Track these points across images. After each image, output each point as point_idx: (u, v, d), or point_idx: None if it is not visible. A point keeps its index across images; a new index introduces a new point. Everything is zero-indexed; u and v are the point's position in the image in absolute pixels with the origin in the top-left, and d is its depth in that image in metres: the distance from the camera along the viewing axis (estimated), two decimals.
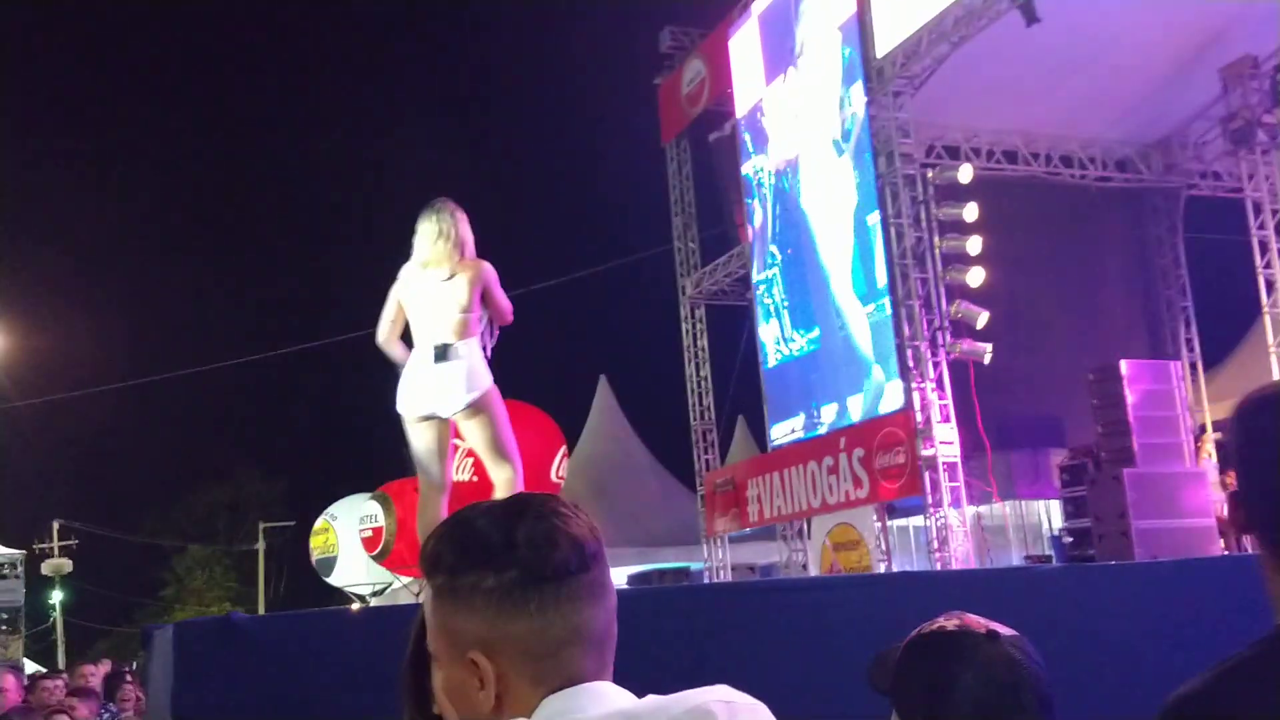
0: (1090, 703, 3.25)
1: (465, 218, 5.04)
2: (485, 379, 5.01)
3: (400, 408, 5.06)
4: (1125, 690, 3.29)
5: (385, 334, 5.09)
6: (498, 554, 1.15)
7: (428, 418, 5.03)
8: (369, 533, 19.53)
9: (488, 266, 5.06)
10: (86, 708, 7.08)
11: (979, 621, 1.61)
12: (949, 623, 1.62)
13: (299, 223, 59.83)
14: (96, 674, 8.15)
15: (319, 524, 21.22)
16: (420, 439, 5.07)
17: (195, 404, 44.24)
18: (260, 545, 34.88)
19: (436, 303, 4.97)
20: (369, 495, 20.06)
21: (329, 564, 20.71)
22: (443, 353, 4.93)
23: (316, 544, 21.15)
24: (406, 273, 5.06)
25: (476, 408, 4.98)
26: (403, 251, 5.12)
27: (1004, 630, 1.61)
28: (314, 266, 55.96)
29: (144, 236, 54.18)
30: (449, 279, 4.96)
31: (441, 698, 1.18)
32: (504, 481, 5.05)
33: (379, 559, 19.04)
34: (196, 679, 2.69)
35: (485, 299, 5.04)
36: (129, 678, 7.90)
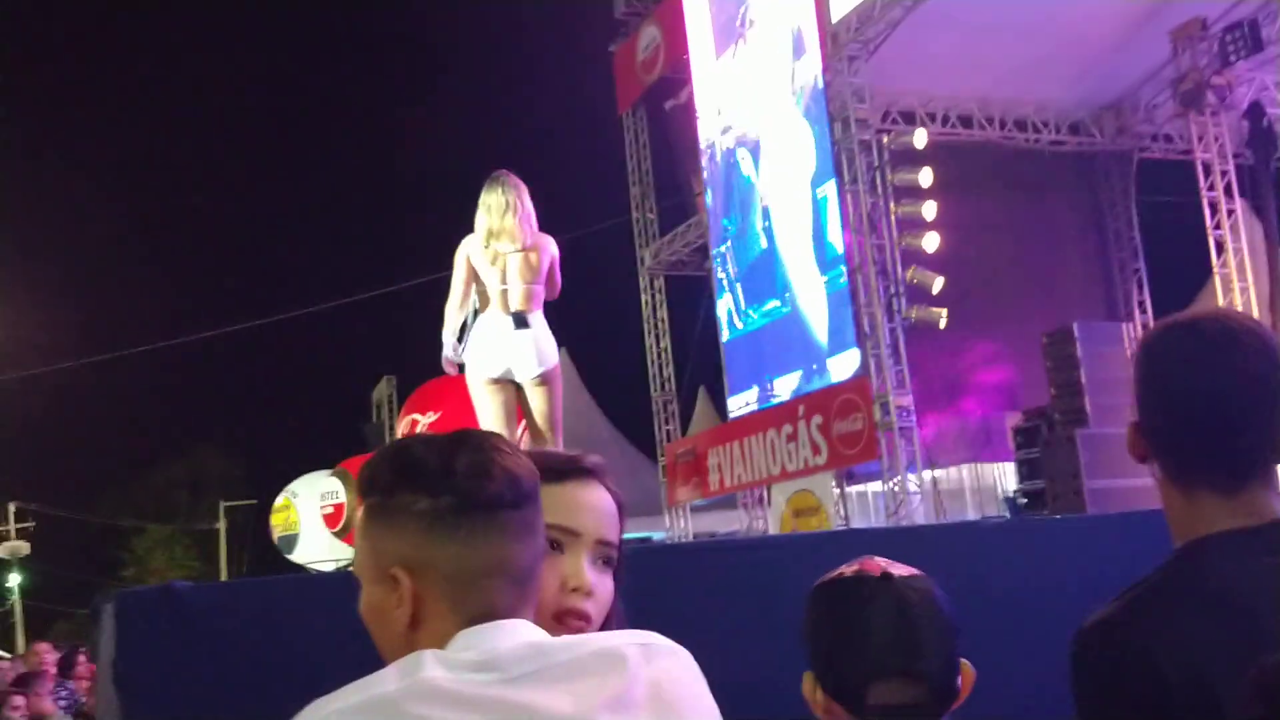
0: (1039, 652, 3.29)
1: (526, 190, 5.20)
2: (555, 353, 5.25)
3: (473, 370, 5.22)
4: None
5: (459, 300, 5.25)
6: (435, 479, 1.17)
7: (498, 380, 5.18)
8: (330, 509, 19.44)
9: (554, 242, 5.26)
10: (41, 689, 7.04)
11: (877, 565, 1.58)
12: (848, 570, 1.60)
13: (254, 197, 59.10)
14: (52, 654, 8.08)
15: (280, 501, 21.07)
16: (490, 401, 5.21)
17: (152, 381, 43.72)
18: (221, 524, 34.66)
19: (510, 273, 5.13)
20: (329, 472, 19.95)
21: (291, 541, 20.59)
22: (521, 320, 5.10)
23: (277, 521, 21.01)
24: (472, 242, 5.19)
25: (544, 378, 5.19)
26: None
27: (901, 571, 1.58)
28: (272, 241, 55.43)
29: (94, 210, 53.37)
30: (521, 251, 5.12)
31: (364, 617, 1.21)
32: None
33: (341, 535, 18.95)
34: (138, 648, 2.68)
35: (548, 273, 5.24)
36: (82, 658, 7.84)
